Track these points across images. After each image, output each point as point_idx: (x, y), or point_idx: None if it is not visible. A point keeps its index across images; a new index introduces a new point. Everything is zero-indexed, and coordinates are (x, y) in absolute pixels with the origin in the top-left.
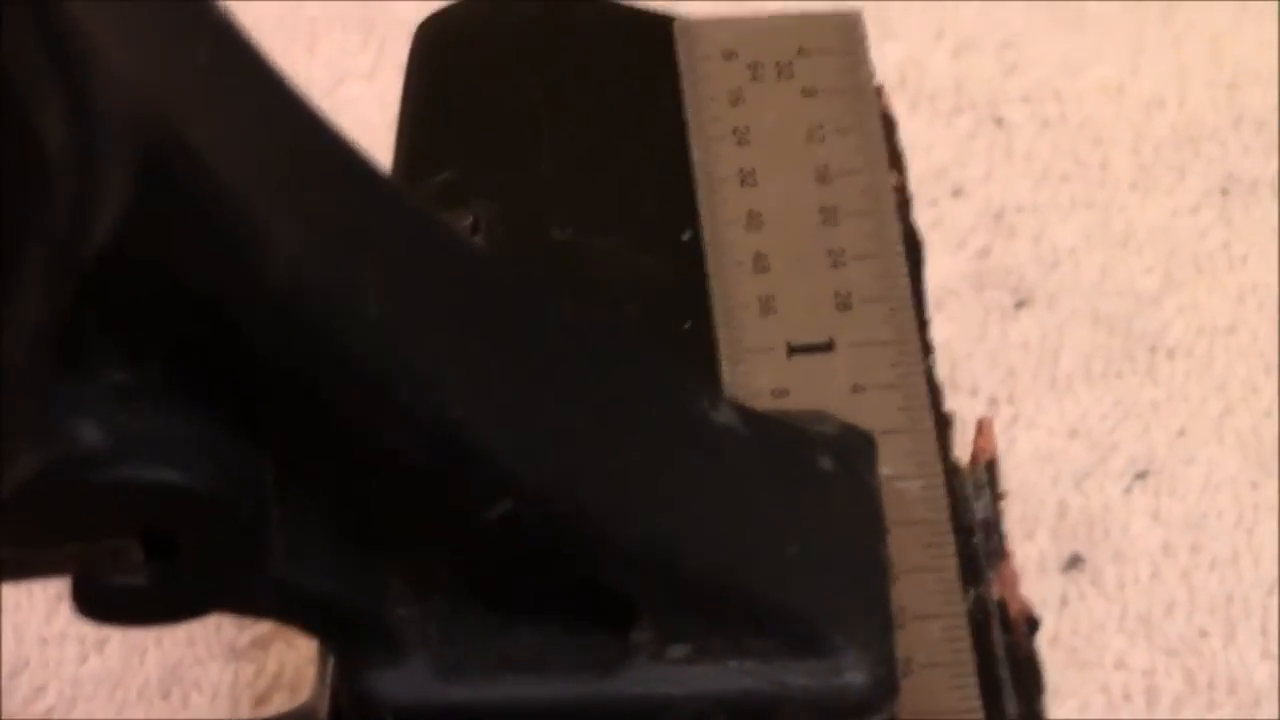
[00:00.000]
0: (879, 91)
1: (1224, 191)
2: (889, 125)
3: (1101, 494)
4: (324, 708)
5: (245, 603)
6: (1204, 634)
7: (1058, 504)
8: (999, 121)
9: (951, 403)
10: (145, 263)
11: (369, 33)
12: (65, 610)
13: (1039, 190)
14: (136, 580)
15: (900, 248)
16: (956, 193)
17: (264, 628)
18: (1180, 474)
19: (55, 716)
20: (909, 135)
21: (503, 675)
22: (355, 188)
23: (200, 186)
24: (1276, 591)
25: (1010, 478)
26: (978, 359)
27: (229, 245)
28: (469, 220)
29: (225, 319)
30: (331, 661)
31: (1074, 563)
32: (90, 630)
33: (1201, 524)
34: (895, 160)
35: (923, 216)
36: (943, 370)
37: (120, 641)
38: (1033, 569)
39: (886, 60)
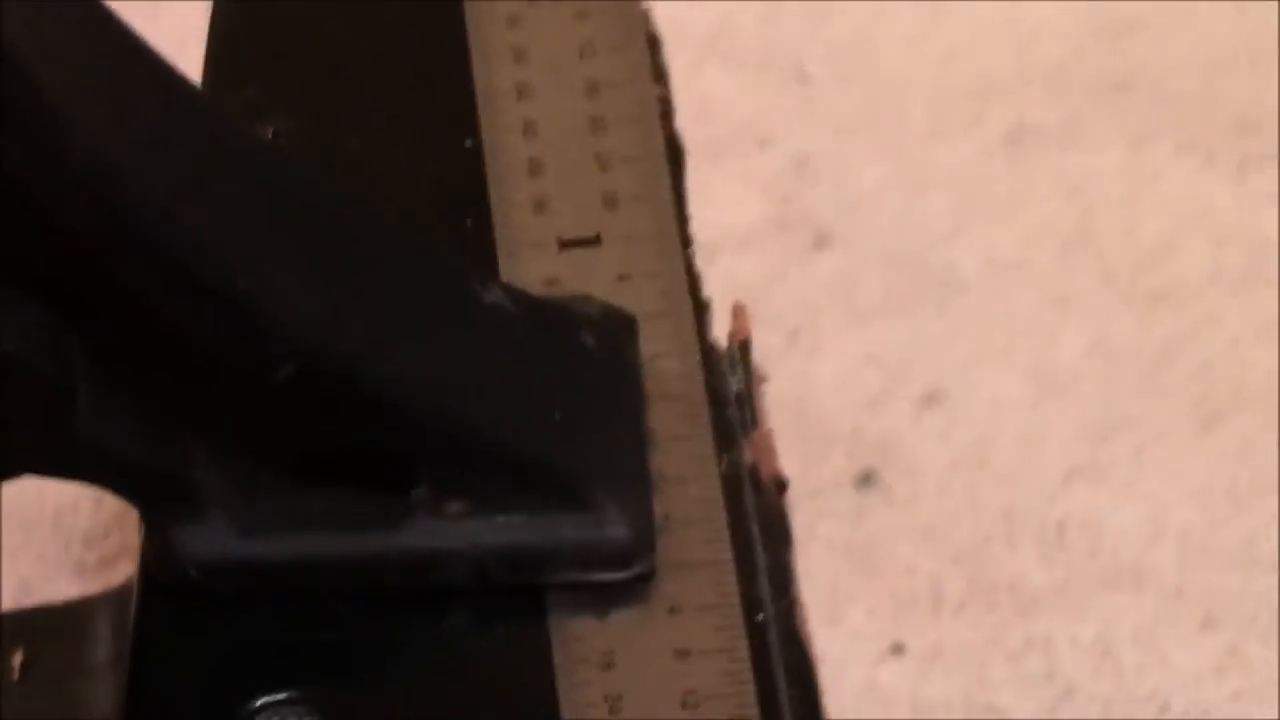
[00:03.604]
0: (646, 13)
1: (1012, 139)
2: (654, 44)
3: (894, 416)
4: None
5: (55, 464)
6: (986, 542)
7: (853, 426)
8: (803, 77)
9: (754, 334)
10: None
11: None
12: None
13: (840, 140)
14: None
15: (663, 153)
16: (762, 143)
17: (110, 547)
18: (967, 398)
19: None
20: (719, 91)
21: (296, 532)
22: (156, 85)
23: (10, 78)
24: (1055, 501)
25: (808, 403)
26: (780, 295)
27: (37, 132)
28: (269, 132)
29: (31, 198)
30: (140, 525)
31: (867, 479)
32: None
33: (986, 443)
34: (659, 75)
35: (730, 164)
36: (746, 304)
37: None
38: (829, 485)
39: (698, 21)
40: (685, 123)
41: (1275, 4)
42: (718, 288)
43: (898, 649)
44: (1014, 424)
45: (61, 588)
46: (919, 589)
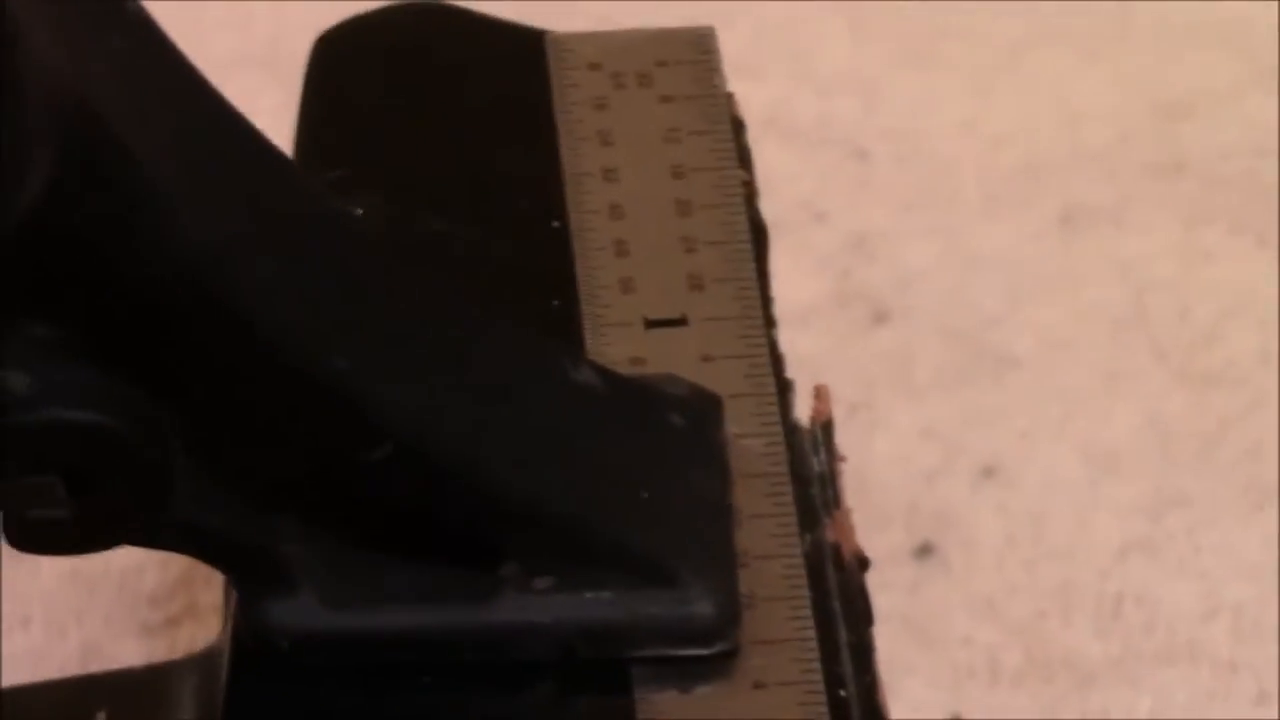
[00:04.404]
0: (729, 98)
1: (1065, 219)
2: (738, 127)
3: (951, 490)
4: (228, 642)
5: (153, 537)
6: (1042, 615)
7: (910, 499)
8: (861, 155)
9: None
10: (64, 232)
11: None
12: None
13: (896, 217)
14: (59, 514)
15: (747, 235)
16: (820, 219)
17: (175, 608)
18: (1023, 472)
19: None
20: (778, 168)
21: (385, 606)
22: (255, 165)
23: (116, 165)
24: (1110, 576)
25: (867, 476)
26: (839, 369)
27: (139, 218)
28: (357, 212)
29: (134, 283)
30: (233, 597)
31: (925, 551)
32: (15, 609)
33: (1042, 517)
34: (743, 158)
35: (789, 240)
36: (806, 379)
37: (42, 620)
38: (886, 557)
39: (756, 99)
40: None
41: None
42: None
43: None
44: (1069, 499)
45: (129, 648)
46: (977, 661)
